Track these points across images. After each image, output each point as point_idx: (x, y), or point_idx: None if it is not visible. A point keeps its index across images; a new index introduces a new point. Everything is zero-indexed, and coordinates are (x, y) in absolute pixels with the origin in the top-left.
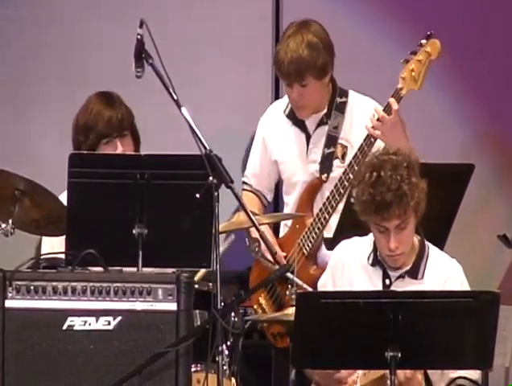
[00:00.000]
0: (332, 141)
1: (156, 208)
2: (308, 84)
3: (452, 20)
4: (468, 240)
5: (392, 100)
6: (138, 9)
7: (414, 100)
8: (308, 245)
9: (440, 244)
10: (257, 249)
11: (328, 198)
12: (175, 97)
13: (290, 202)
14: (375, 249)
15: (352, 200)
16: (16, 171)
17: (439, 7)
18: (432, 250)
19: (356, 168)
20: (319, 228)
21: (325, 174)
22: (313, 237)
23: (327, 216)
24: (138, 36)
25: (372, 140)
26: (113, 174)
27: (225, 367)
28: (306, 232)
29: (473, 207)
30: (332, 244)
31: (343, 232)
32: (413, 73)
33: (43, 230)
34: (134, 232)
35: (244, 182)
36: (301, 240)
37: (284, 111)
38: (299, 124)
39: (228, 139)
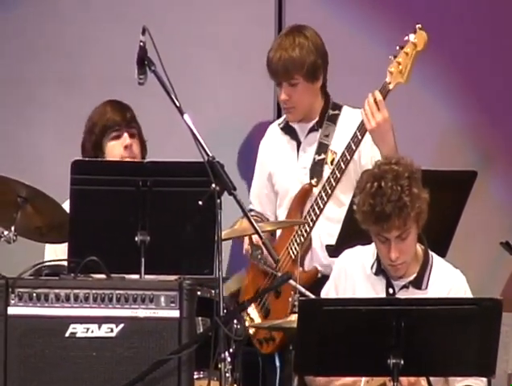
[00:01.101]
0: (323, 148)
1: (158, 215)
2: (298, 84)
3: (450, 21)
4: (470, 247)
5: (376, 92)
6: (138, 11)
7: (416, 109)
8: (295, 248)
9: (443, 251)
10: (259, 256)
11: (316, 199)
12: (178, 104)
13: (281, 213)
14: (379, 258)
15: (354, 207)
16: (18, 178)
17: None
18: (436, 260)
19: (343, 167)
20: (306, 231)
21: (315, 179)
22: (300, 240)
23: (314, 218)
24: (141, 43)
25: (359, 137)
26: (115, 181)
27: (227, 375)
28: (294, 236)
29: (476, 213)
30: (334, 251)
31: (345, 240)
32: (400, 66)
33: (46, 237)
34: (136, 239)
35: (250, 209)
36: (289, 244)
37: (279, 125)
38: (291, 132)
39: (228, 142)
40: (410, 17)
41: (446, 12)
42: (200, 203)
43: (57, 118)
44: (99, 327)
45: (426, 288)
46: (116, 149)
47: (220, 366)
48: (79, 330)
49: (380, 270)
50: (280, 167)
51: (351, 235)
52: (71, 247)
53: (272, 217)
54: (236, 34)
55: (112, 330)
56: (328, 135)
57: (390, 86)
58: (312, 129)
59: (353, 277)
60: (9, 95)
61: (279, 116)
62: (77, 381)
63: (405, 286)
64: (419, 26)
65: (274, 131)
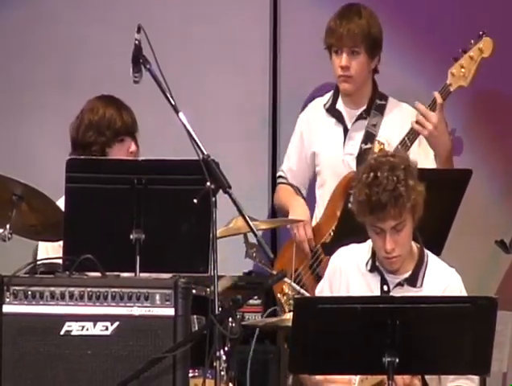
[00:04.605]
0: (370, 137)
1: (153, 213)
2: (359, 55)
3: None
4: (465, 246)
5: (436, 94)
6: (134, 13)
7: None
8: None
9: (438, 250)
10: (254, 255)
11: None
12: (173, 102)
13: (323, 193)
14: (374, 255)
15: (349, 205)
16: (14, 176)
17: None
18: (431, 258)
19: None
20: None
21: None
22: None
23: None
24: (136, 41)
25: (412, 136)
26: (110, 180)
27: (222, 373)
28: None
29: (471, 212)
30: (329, 249)
31: (341, 238)
32: (462, 70)
33: (41, 235)
34: (131, 237)
35: (279, 176)
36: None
37: (325, 105)
38: (338, 116)
39: (224, 140)
40: (403, 15)
41: (434, 5)
42: (195, 201)
43: (53, 117)
44: (94, 325)
45: (421, 286)
46: (120, 154)
47: (215, 364)
48: (74, 328)
49: (375, 267)
50: (326, 149)
51: (346, 233)
52: (66, 245)
53: (303, 190)
54: (231, 34)
55: (107, 329)
56: (376, 125)
57: (451, 88)
58: (360, 117)
59: (347, 274)
60: (4, 95)
61: (275, 114)
62: (72, 379)
63: (400, 284)
64: (484, 31)
65: (318, 110)
